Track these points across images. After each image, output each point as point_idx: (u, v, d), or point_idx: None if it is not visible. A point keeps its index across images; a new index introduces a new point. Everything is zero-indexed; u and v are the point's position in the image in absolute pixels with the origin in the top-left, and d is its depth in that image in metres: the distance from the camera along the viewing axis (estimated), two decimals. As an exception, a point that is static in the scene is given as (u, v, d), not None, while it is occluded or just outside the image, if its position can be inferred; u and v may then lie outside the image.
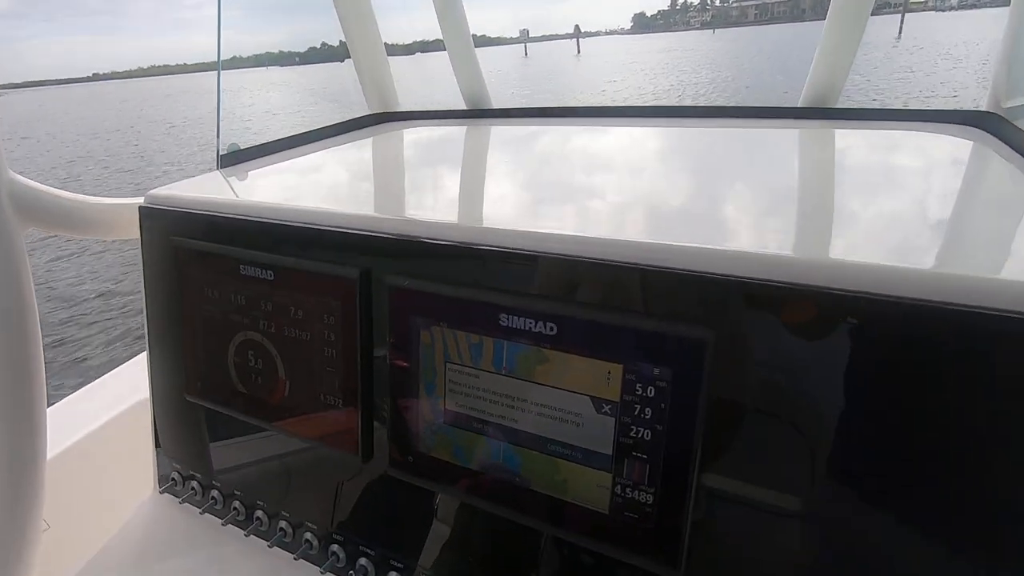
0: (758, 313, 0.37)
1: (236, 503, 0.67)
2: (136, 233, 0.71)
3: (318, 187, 0.70)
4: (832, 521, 0.37)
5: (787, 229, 0.46)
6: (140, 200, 0.69)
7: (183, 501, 0.70)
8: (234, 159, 0.79)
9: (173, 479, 0.72)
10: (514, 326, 0.45)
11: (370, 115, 1.05)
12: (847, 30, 0.80)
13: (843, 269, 0.36)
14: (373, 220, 0.52)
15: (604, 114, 0.99)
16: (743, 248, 0.39)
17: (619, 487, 0.43)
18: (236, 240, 0.59)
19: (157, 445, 0.73)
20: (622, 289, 0.41)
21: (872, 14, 0.80)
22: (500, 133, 0.94)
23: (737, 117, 0.86)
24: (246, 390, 0.62)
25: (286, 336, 0.58)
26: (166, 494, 0.72)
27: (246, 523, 0.67)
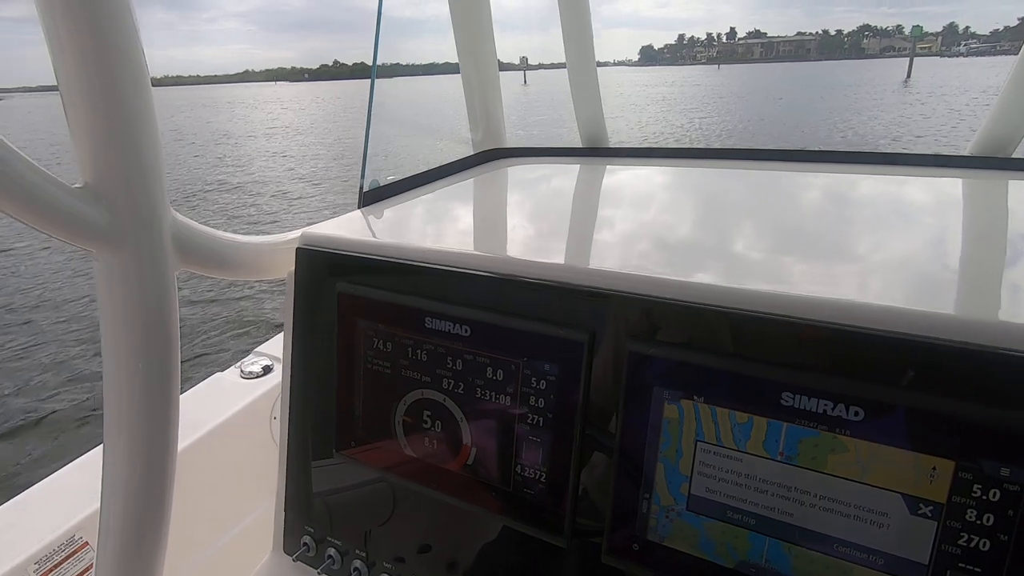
0: None
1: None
2: (283, 274, 0.66)
3: (493, 233, 0.65)
4: None
5: None
6: (293, 236, 0.64)
7: (322, 572, 0.64)
8: (373, 196, 0.75)
9: (305, 544, 0.66)
10: (801, 407, 0.39)
11: (484, 152, 1.01)
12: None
13: None
14: (602, 276, 0.46)
15: (723, 156, 0.94)
16: None
17: (934, 603, 0.37)
18: (421, 290, 0.54)
19: (286, 506, 0.67)
20: (957, 373, 0.35)
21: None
22: (643, 174, 0.89)
23: (895, 164, 0.81)
24: (415, 453, 0.56)
25: (477, 398, 0.52)
26: (299, 562, 0.65)
27: None
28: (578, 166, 0.98)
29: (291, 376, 0.64)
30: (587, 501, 0.49)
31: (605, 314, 0.46)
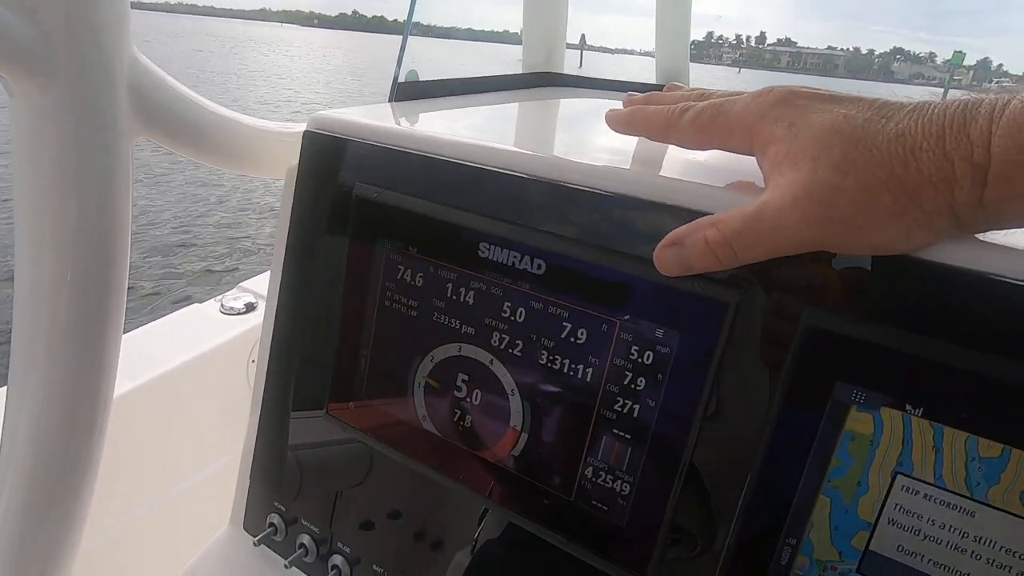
0: None
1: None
2: (282, 172, 0.49)
3: (579, 143, 0.49)
4: None
5: None
6: (300, 126, 0.47)
7: (290, 565, 0.48)
8: (408, 92, 0.58)
9: (272, 525, 0.50)
10: (1114, 446, 0.24)
11: (539, 74, 0.84)
12: None
13: None
14: None
15: None
16: None
17: None
18: (476, 203, 0.38)
19: (252, 473, 0.51)
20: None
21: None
22: None
23: None
24: (438, 430, 0.41)
25: (541, 365, 0.36)
26: (262, 546, 0.50)
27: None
28: None
29: (278, 307, 0.48)
30: (689, 536, 0.34)
31: (768, 267, 0.30)
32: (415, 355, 0.41)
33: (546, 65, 0.88)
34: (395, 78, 0.56)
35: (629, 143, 0.41)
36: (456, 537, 0.42)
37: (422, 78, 0.58)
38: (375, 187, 0.41)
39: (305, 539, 0.49)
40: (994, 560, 0.26)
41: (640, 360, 0.33)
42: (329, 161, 0.44)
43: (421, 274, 0.40)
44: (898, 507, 0.28)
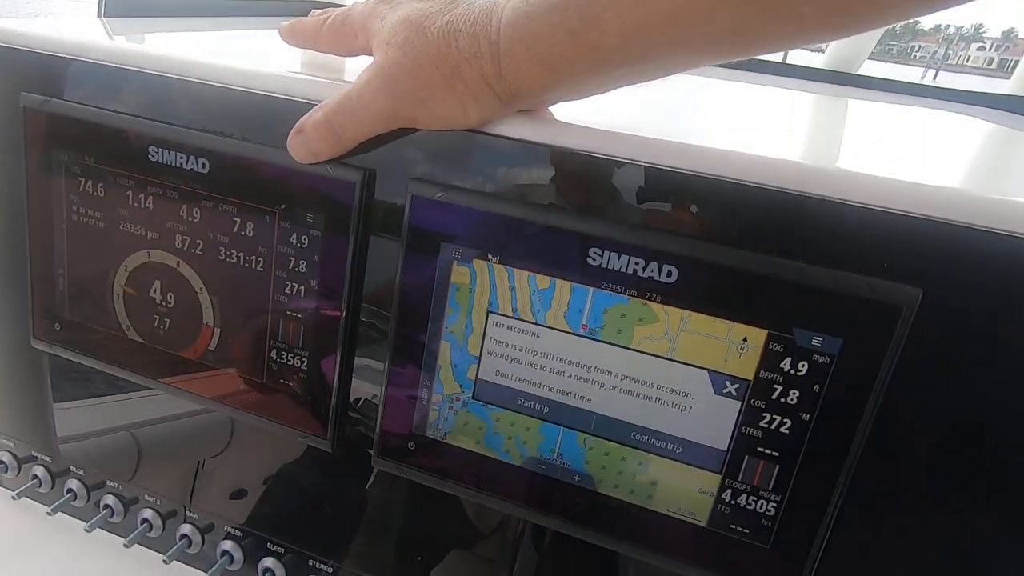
0: (978, 267, 0.27)
1: (110, 498, 0.46)
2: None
3: (268, 56, 0.50)
4: None
5: None
6: None
7: (19, 494, 0.48)
8: (123, 7, 0.55)
9: (2, 462, 0.49)
10: (612, 266, 0.31)
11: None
12: None
13: None
14: None
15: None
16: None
17: (729, 493, 0.32)
18: (143, 108, 0.38)
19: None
20: (782, 226, 0.29)
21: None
22: None
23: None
24: (142, 337, 0.42)
25: (220, 261, 0.39)
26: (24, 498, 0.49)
27: (126, 526, 0.47)
28: None
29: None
30: (361, 394, 0.39)
31: (387, 146, 0.34)
32: (109, 267, 0.41)
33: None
34: (100, -9, 0.53)
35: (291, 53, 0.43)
36: (186, 439, 0.45)
37: None
38: (44, 96, 0.40)
39: (39, 471, 0.48)
40: (554, 369, 0.34)
41: (299, 245, 0.37)
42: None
43: (102, 184, 0.40)
44: (492, 340, 0.34)
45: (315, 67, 0.41)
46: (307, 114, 0.33)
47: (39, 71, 0.40)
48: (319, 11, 0.41)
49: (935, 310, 0.28)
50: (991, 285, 0.27)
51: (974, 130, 0.63)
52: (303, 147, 0.33)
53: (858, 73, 0.76)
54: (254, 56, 0.45)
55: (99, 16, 0.54)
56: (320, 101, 0.34)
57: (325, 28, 0.36)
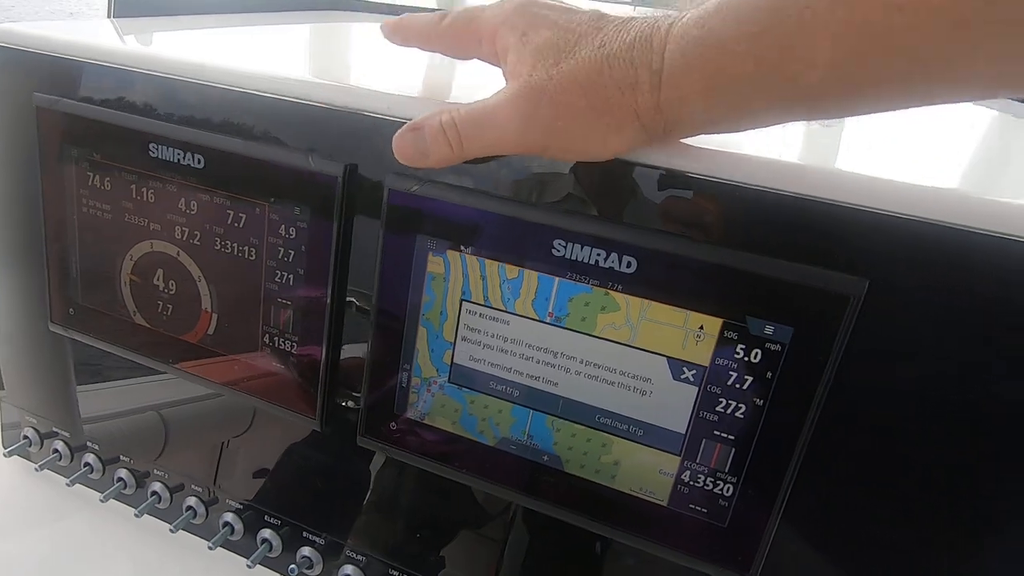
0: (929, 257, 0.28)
1: (122, 472, 0.50)
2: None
3: (269, 57, 0.52)
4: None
5: None
6: None
7: (42, 467, 0.52)
8: (133, 8, 0.58)
9: (26, 437, 0.53)
10: (575, 257, 0.33)
11: None
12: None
13: None
14: (369, 96, 0.36)
15: None
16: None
17: (688, 474, 0.34)
18: (145, 107, 0.41)
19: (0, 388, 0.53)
20: (738, 218, 0.31)
21: None
22: None
23: None
24: (147, 322, 0.45)
25: (216, 251, 0.41)
26: (14, 456, 0.53)
27: (137, 498, 0.50)
28: None
29: (-8, 225, 0.49)
30: (347, 376, 0.41)
31: (368, 143, 0.36)
32: (117, 256, 0.44)
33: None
34: (111, -8, 0.56)
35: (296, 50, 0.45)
36: (181, 419, 0.48)
37: None
38: (54, 97, 0.43)
39: (59, 444, 0.52)
40: (524, 354, 0.35)
41: (287, 235, 0.39)
42: (11, 74, 0.44)
43: (108, 179, 0.43)
44: (466, 326, 0.36)
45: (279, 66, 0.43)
46: (427, 114, 0.31)
47: (50, 73, 0.43)
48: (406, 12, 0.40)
49: (882, 300, 0.29)
50: (936, 275, 0.28)
51: (913, 115, 0.63)
52: (413, 146, 0.31)
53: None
54: (254, 55, 0.47)
55: (108, 17, 0.56)
56: (308, 101, 0.36)
57: (444, 25, 0.33)
